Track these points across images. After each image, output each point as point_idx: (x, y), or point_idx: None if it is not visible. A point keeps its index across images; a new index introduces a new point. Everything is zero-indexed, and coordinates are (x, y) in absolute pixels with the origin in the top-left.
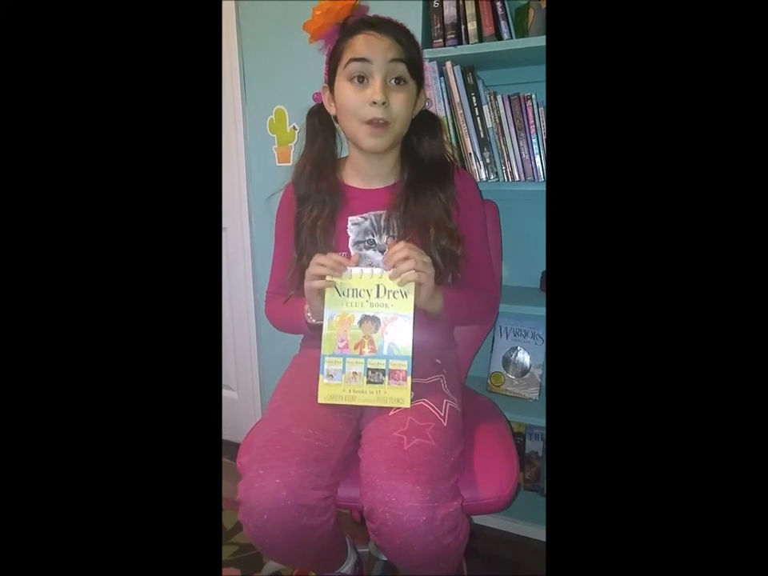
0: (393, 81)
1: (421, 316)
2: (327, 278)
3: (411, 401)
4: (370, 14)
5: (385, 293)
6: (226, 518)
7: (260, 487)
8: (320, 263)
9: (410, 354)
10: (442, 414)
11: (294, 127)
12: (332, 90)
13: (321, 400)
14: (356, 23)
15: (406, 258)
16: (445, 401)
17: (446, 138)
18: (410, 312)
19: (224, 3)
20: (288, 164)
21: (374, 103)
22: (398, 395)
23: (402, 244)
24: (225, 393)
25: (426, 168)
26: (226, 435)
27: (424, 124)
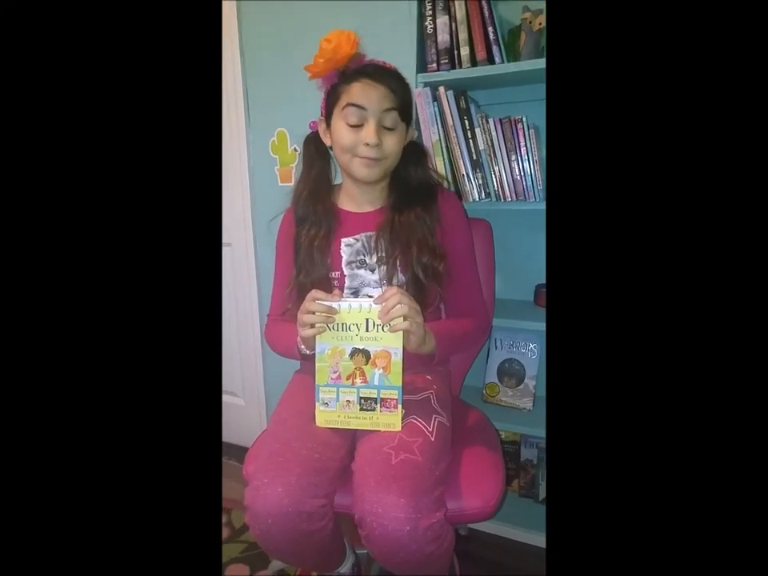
0: (384, 126)
1: (412, 355)
2: (317, 325)
3: (402, 419)
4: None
5: (374, 326)
6: (236, 518)
7: (264, 495)
8: (310, 311)
9: (400, 384)
10: (431, 430)
11: (295, 149)
12: (328, 125)
13: (318, 424)
14: (354, 71)
15: (398, 303)
16: (434, 416)
17: (432, 165)
18: (399, 346)
19: (227, 28)
20: (290, 184)
21: (368, 144)
22: (390, 421)
23: (395, 289)
24: (232, 400)
25: (411, 192)
26: (234, 439)
27: (410, 154)
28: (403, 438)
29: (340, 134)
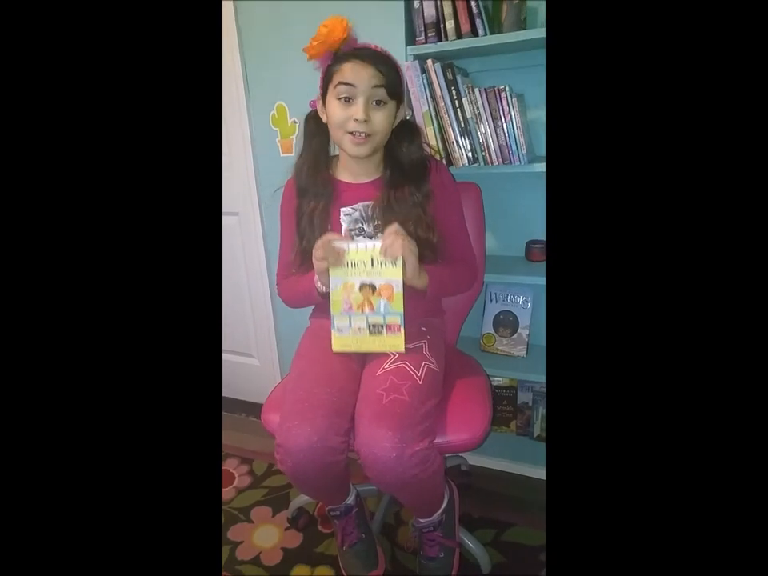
0: (374, 102)
1: (410, 292)
2: (330, 260)
3: (395, 363)
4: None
5: (378, 263)
6: (257, 467)
7: (296, 434)
8: (323, 249)
9: (402, 311)
10: (419, 375)
11: (294, 121)
12: (324, 103)
13: (334, 349)
14: (346, 53)
15: (395, 240)
16: (423, 363)
17: (425, 139)
18: (399, 278)
19: (224, 9)
20: (291, 154)
21: (357, 120)
22: (395, 342)
23: (393, 227)
24: (247, 360)
25: (405, 169)
26: (250, 397)
27: (404, 132)
28: (394, 380)
29: (333, 111)
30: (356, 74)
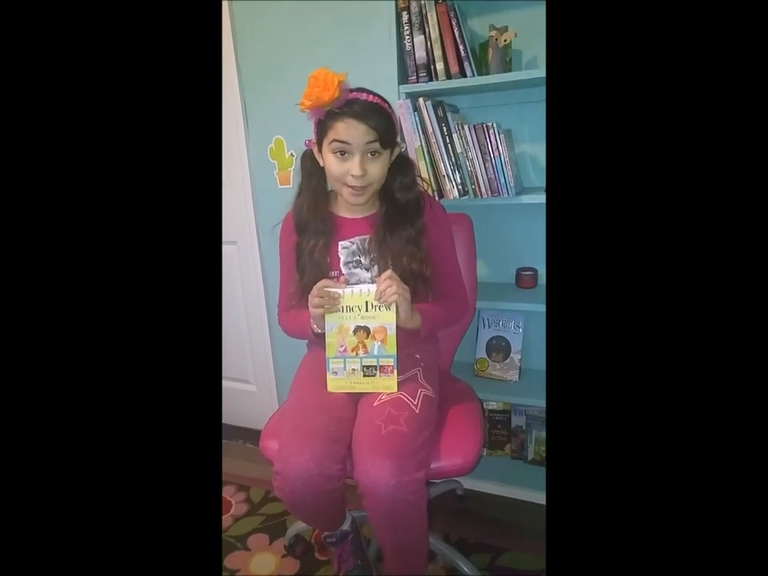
0: (369, 154)
1: (403, 333)
2: (326, 306)
3: (391, 393)
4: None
5: (372, 307)
6: (254, 495)
7: (294, 461)
8: (319, 296)
9: (395, 353)
10: (416, 403)
11: (292, 154)
12: (320, 149)
13: (329, 390)
14: (338, 111)
15: (389, 286)
16: (419, 390)
17: (418, 172)
18: (392, 322)
19: (224, 49)
20: (288, 186)
21: (353, 176)
22: (387, 383)
23: (387, 274)
24: (244, 387)
25: (400, 206)
26: (247, 423)
27: (398, 166)
28: (392, 411)
29: (330, 164)
30: (349, 133)
